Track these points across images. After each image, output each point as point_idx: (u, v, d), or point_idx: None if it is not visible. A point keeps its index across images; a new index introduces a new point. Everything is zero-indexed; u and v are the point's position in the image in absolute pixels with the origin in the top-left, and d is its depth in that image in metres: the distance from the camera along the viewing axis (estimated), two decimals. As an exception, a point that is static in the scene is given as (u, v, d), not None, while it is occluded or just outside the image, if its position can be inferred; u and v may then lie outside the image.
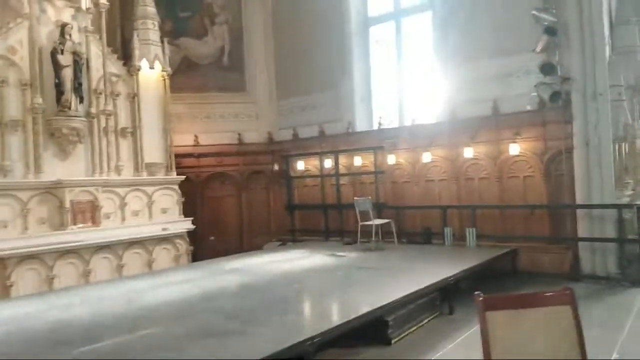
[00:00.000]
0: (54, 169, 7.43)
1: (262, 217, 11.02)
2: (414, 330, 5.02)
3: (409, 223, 8.91)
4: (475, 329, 4.93)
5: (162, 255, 8.32)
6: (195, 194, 10.25)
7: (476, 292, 2.55)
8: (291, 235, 10.22)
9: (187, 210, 9.14)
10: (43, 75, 7.47)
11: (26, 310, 5.00)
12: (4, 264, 6.38)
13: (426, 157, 8.71)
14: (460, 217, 8.35)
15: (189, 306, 4.91)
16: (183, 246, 8.67)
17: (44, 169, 7.31)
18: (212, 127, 10.84)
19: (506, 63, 7.85)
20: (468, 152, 8.23)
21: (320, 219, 10.00)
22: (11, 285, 6.38)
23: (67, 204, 7.28)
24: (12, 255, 6.44)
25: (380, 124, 9.53)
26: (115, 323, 4.39)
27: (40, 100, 7.35)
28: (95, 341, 3.83)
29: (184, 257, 8.61)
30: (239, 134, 10.94)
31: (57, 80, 7.54)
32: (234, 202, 11.01)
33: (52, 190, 7.29)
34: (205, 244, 9.92)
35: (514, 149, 7.80)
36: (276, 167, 10.88)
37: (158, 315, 4.62)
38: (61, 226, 7.25)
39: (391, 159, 9.12)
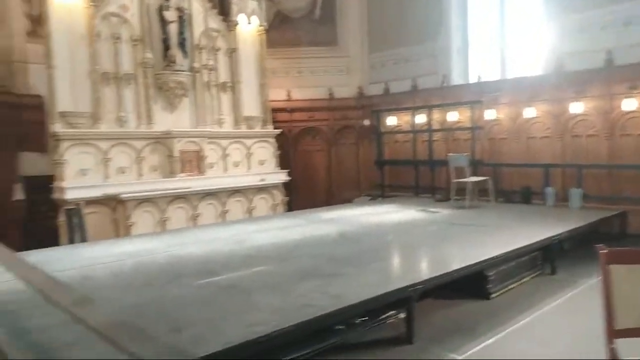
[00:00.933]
0: (163, 121, 8.00)
1: (351, 172, 11.16)
2: (514, 287, 4.94)
3: (506, 182, 8.59)
4: (578, 291, 4.80)
5: (260, 204, 8.78)
6: (288, 147, 10.57)
7: (598, 245, 2.47)
8: (380, 190, 10.27)
9: (281, 163, 9.48)
10: (151, 31, 7.94)
11: (146, 247, 5.55)
12: (125, 206, 7.08)
13: (528, 113, 8.24)
14: (563, 176, 7.91)
15: (291, 249, 5.18)
16: (279, 196, 9.07)
17: (154, 120, 7.90)
18: (304, 82, 10.98)
19: (623, 9, 7.10)
20: (575, 108, 7.67)
21: (410, 175, 9.92)
22: (131, 225, 7.09)
23: (176, 153, 7.86)
24: (131, 198, 7.12)
25: (479, 77, 9.11)
26: (226, 261, 4.76)
27: (149, 55, 7.85)
28: (212, 275, 4.19)
29: (280, 206, 9.02)
30: (330, 89, 10.99)
31: (164, 36, 7.99)
32: (324, 157, 11.22)
33: (162, 140, 7.88)
34: (299, 195, 10.29)
35: (629, 104, 7.14)
36: (366, 122, 10.86)
37: (264, 256, 4.93)
38: (171, 174, 7.86)
39: (489, 114, 8.74)
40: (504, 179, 8.61)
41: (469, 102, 8.96)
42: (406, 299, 3.76)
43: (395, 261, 5.00)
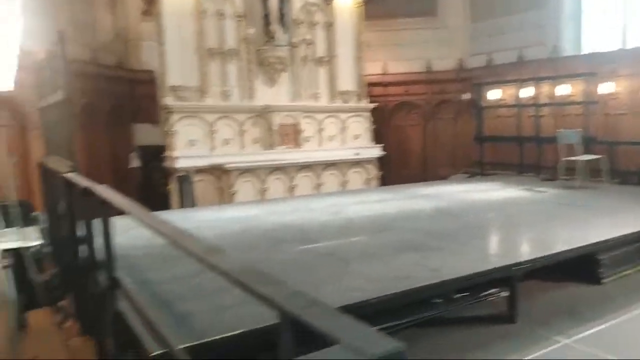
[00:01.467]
0: (263, 95, 8.30)
1: (448, 148, 10.83)
2: (629, 274, 4.56)
3: (622, 161, 7.86)
4: None
5: (354, 178, 8.86)
6: (382, 122, 10.48)
7: None
8: (479, 167, 9.87)
9: (375, 138, 9.44)
10: (253, 8, 8.19)
11: (249, 214, 5.86)
12: (229, 175, 7.51)
13: (653, 85, 7.42)
14: (693, 156, 7.07)
15: (388, 222, 5.19)
16: (373, 171, 9.08)
17: (255, 94, 8.22)
18: (400, 55, 10.75)
19: None
20: None
21: (512, 153, 9.41)
22: (234, 194, 7.52)
23: (275, 127, 8.15)
24: (234, 168, 7.53)
25: (593, 47, 8.34)
26: (324, 230, 4.89)
27: (251, 30, 8.12)
28: (311, 242, 4.33)
29: (374, 181, 9.04)
30: (428, 62, 10.66)
31: (265, 12, 8.21)
32: (420, 132, 10.99)
33: (263, 114, 8.18)
34: (392, 171, 10.22)
35: None
36: (466, 96, 10.42)
37: (360, 227, 5.00)
38: (270, 146, 8.17)
39: (606, 88, 8.00)
40: (620, 158, 7.87)
41: (582, 74, 8.26)
42: (509, 278, 3.62)
43: (498, 239, 4.82)
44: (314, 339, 0.84)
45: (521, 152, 9.24)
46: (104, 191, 2.70)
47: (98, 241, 3.17)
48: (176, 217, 5.87)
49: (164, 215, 5.85)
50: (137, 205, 2.37)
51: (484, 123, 10.06)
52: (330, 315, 0.91)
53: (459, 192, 7.26)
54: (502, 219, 5.46)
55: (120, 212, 2.52)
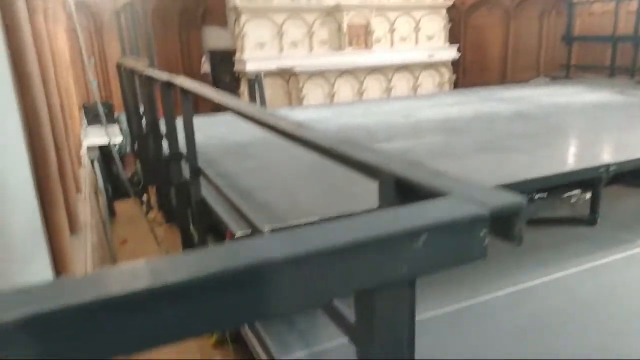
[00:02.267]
0: (333, -7, 7.89)
1: (531, 49, 9.98)
2: None
3: None
4: None
5: (427, 81, 8.50)
6: (458, 22, 9.76)
7: None
8: (565, 71, 9.10)
9: (450, 38, 8.86)
10: None
11: (318, 116, 5.83)
12: (297, 78, 7.43)
13: None
14: None
15: (463, 124, 5.00)
16: (446, 74, 8.65)
17: (324, -8, 7.83)
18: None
19: None
20: None
21: (603, 54, 8.54)
22: (303, 97, 7.48)
23: (344, 27, 7.81)
24: (303, 71, 7.42)
25: None
26: (397, 131, 4.79)
27: None
28: (384, 142, 4.27)
29: (447, 85, 8.64)
30: (514, -48, 9.57)
31: None
32: (500, 32, 10.16)
33: (332, 13, 7.83)
34: (467, 75, 9.68)
35: None
36: (555, -10, 9.37)
37: (434, 128, 4.85)
38: (339, 48, 7.91)
39: None
40: None
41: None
42: (593, 180, 3.43)
43: (584, 141, 4.51)
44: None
45: (614, 53, 8.35)
46: (185, 82, 2.75)
47: (179, 135, 3.30)
48: (248, 117, 5.98)
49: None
50: (218, 91, 2.39)
51: (575, 21, 9.09)
52: (436, 175, 0.87)
53: (542, 95, 6.78)
54: (589, 122, 5.08)
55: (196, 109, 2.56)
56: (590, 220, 3.48)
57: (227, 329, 2.84)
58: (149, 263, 0.56)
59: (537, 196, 3.40)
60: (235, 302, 0.56)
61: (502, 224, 0.73)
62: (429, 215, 0.69)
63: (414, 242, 0.65)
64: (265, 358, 2.14)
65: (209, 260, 0.56)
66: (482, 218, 0.69)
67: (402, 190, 0.89)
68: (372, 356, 0.71)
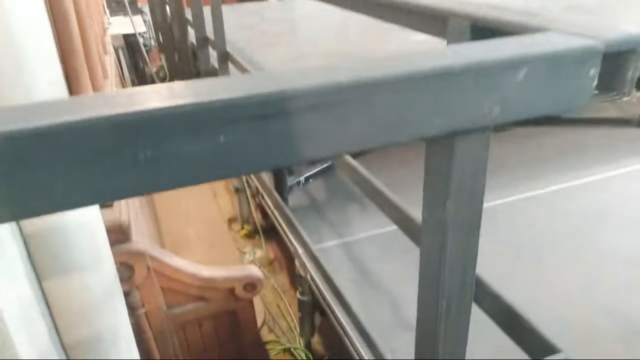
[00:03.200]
0: None
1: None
2: None
3: None
4: None
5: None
6: None
7: None
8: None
9: None
10: None
11: None
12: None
13: None
14: None
15: None
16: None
17: None
18: None
19: None
20: None
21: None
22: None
23: None
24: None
25: None
26: None
27: None
28: None
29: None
30: None
31: None
32: None
33: None
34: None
35: None
36: None
37: None
38: None
39: None
40: None
41: None
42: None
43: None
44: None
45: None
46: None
47: (206, 21, 3.10)
48: None
49: None
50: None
51: None
52: (527, 13, 0.72)
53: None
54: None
55: None
56: (640, 121, 3.27)
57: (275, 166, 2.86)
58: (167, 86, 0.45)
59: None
60: (285, 133, 0.46)
61: (615, 63, 0.59)
62: (528, 47, 0.55)
63: (511, 76, 0.53)
64: (299, 248, 2.14)
65: (244, 84, 0.46)
66: (594, 51, 0.55)
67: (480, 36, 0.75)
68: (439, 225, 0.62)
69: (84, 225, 1.23)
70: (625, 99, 3.33)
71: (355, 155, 1.66)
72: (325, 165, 2.71)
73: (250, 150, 0.45)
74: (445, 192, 0.59)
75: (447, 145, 0.57)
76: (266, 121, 0.44)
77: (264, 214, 3.13)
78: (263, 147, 0.46)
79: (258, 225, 3.20)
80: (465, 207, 0.61)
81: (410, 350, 1.61)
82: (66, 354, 1.34)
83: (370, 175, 1.44)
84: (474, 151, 0.57)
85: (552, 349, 0.85)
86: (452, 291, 0.65)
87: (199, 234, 2.74)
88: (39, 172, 0.38)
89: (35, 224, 1.16)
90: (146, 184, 0.43)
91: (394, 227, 2.32)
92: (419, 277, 0.71)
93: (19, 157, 0.37)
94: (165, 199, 2.99)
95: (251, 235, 3.33)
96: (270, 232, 3.16)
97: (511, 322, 0.96)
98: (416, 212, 1.34)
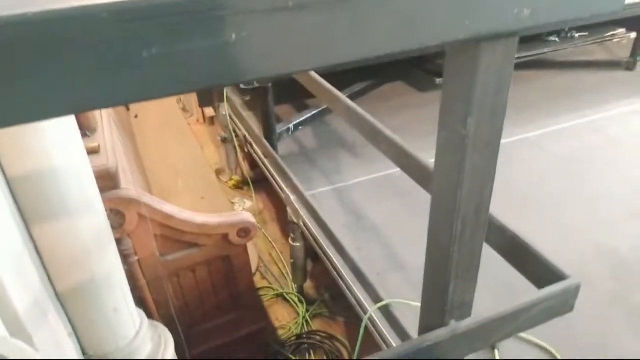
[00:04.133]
0: None
1: None
2: None
3: None
4: None
5: None
6: None
7: None
8: None
9: None
10: None
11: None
12: None
13: None
14: None
15: None
16: None
17: None
18: None
19: None
20: None
21: None
22: None
23: None
24: None
25: None
26: None
27: None
28: None
29: None
30: None
31: None
32: None
33: None
34: None
35: None
36: None
37: None
38: None
39: None
40: None
41: None
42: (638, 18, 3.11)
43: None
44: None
45: None
46: None
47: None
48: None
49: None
50: None
51: None
52: None
53: None
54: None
55: None
56: (629, 64, 3.24)
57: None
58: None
59: (577, 34, 3.12)
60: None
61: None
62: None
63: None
64: (291, 194, 2.12)
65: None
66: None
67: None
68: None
69: (71, 169, 1.17)
70: (615, 40, 3.29)
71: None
72: (314, 112, 2.65)
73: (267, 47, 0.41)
74: (466, 108, 0.56)
75: (471, 55, 0.53)
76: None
77: (252, 165, 3.08)
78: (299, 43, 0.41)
79: (247, 175, 3.16)
80: (487, 125, 0.57)
81: (404, 289, 1.63)
82: (61, 302, 1.32)
83: (368, 115, 1.40)
84: (500, 62, 0.54)
85: (559, 276, 0.85)
86: (468, 213, 0.62)
87: (188, 186, 2.69)
88: (36, 66, 0.34)
89: (19, 167, 1.10)
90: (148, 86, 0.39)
91: (385, 172, 2.32)
92: (431, 199, 0.68)
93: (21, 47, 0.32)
94: (153, 150, 2.92)
95: (239, 186, 3.30)
96: (258, 183, 3.12)
97: (515, 251, 0.96)
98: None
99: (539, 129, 2.52)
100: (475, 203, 0.62)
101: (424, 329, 0.82)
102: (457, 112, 0.57)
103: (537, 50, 2.98)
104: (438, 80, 2.86)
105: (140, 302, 1.68)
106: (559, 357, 1.21)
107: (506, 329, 0.77)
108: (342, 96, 1.59)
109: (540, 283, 0.90)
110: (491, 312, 0.75)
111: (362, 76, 2.93)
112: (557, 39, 3.08)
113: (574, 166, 2.23)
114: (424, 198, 1.63)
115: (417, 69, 3.07)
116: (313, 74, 1.78)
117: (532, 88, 2.98)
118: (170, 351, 1.54)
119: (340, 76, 2.01)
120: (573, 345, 1.30)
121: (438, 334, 0.72)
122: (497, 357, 1.21)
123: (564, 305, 0.82)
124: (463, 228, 0.63)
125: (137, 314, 1.48)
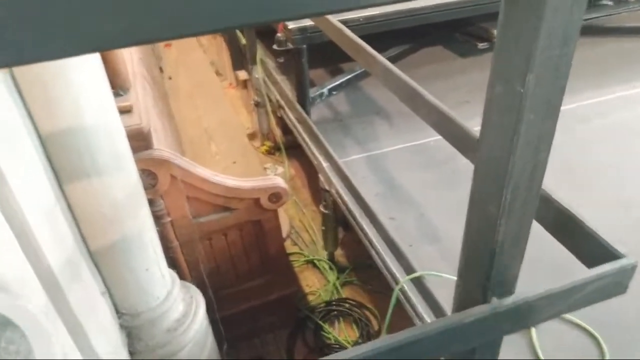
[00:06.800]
0: None
1: None
2: None
3: None
4: None
5: None
6: None
7: None
8: None
9: None
10: None
11: None
12: None
13: None
14: None
15: None
16: None
17: None
18: None
19: None
20: None
21: None
22: None
23: None
24: None
25: None
26: None
27: None
28: None
29: None
30: None
31: None
32: None
33: None
34: None
35: None
36: None
37: None
38: None
39: None
40: None
41: None
42: None
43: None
44: None
45: None
46: None
47: None
48: None
49: None
50: None
51: None
52: None
53: None
54: None
55: None
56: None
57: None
58: None
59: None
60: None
61: None
62: None
63: None
64: (323, 162, 2.07)
65: None
66: None
67: None
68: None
69: (103, 127, 1.16)
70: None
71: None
72: (349, 76, 2.57)
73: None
74: (526, 63, 0.49)
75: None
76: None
77: (285, 130, 3.04)
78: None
79: (279, 141, 3.13)
80: (549, 82, 0.51)
81: (438, 262, 1.58)
82: (94, 261, 1.33)
83: (407, 77, 1.33)
84: (568, 7, 0.47)
85: (612, 255, 0.79)
86: (520, 181, 0.57)
87: (220, 150, 2.68)
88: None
89: (51, 123, 1.09)
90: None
91: (420, 141, 2.24)
92: (475, 167, 0.63)
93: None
94: (186, 113, 2.91)
95: (271, 151, 3.28)
96: (290, 149, 3.09)
97: (563, 226, 0.89)
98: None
99: (588, 99, 2.38)
100: (529, 171, 0.56)
101: (461, 304, 0.77)
102: (514, 66, 0.50)
103: (589, 15, 2.78)
104: (481, 45, 2.72)
105: (172, 263, 1.70)
106: (603, 344, 1.15)
107: (553, 309, 0.72)
108: (380, 57, 1.51)
109: (591, 261, 0.84)
110: (537, 290, 0.70)
111: (400, 40, 2.81)
112: (610, 2, 2.86)
113: (626, 137, 2.10)
114: (462, 168, 1.55)
115: (459, 32, 2.92)
116: (350, 33, 1.70)
117: (580, 57, 2.79)
118: (201, 312, 1.55)
119: (378, 39, 1.93)
120: (618, 331, 1.23)
121: (480, 310, 0.67)
122: (534, 336, 1.16)
123: (618, 286, 0.76)
124: (513, 198, 0.57)
125: (169, 275, 1.49)
